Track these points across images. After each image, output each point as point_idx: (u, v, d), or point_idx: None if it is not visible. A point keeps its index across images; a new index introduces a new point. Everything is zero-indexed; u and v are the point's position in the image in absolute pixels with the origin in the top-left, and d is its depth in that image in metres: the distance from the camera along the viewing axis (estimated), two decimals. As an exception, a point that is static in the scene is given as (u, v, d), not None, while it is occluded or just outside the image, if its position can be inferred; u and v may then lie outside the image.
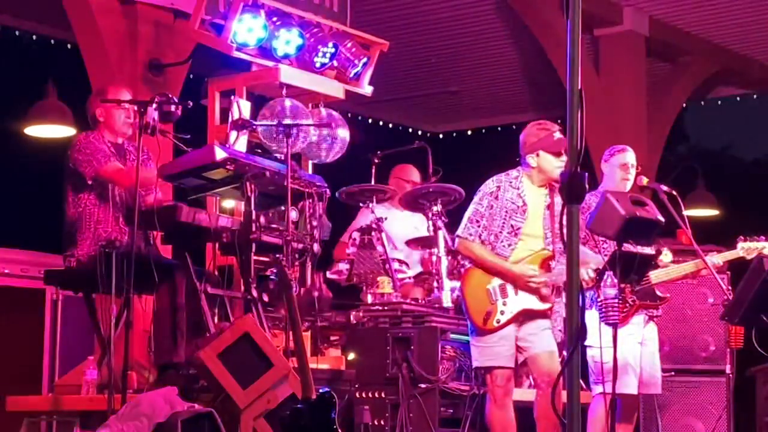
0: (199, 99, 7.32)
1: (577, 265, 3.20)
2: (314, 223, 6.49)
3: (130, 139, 6.48)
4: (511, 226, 6.23)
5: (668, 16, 10.52)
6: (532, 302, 6.20)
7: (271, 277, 6.44)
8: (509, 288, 6.21)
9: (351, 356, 7.09)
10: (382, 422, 6.76)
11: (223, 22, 7.17)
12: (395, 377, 6.78)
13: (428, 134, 13.40)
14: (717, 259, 6.79)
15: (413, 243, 7.89)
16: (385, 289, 7.22)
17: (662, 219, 6.11)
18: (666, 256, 6.85)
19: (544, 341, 6.21)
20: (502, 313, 6.17)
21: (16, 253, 8.56)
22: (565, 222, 3.22)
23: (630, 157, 6.89)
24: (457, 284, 7.01)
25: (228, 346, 5.58)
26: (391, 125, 13.37)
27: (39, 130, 9.12)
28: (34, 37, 10.62)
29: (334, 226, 6.97)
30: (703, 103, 12.80)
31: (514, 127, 6.69)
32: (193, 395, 5.76)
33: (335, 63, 7.63)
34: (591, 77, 10.16)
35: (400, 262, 7.72)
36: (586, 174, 3.20)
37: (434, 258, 7.45)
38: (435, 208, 7.58)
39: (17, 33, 10.52)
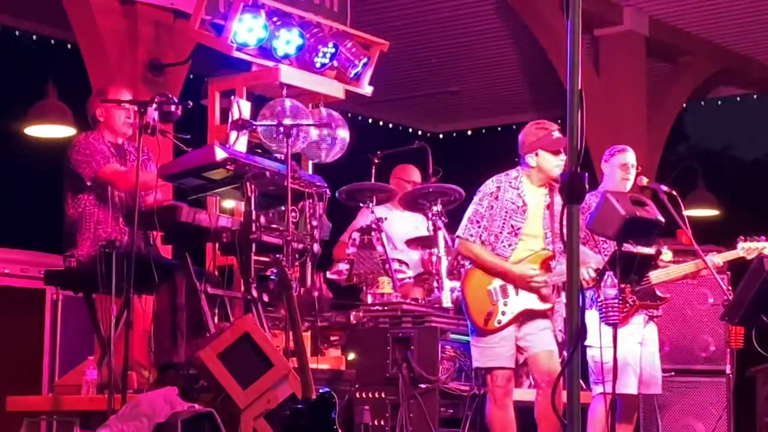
0: (199, 99, 7.32)
1: (577, 265, 3.20)
2: (314, 223, 6.49)
3: (131, 140, 6.48)
4: (512, 226, 6.23)
5: (668, 16, 10.52)
6: (533, 302, 6.20)
7: (271, 277, 6.44)
8: (510, 288, 6.21)
9: (351, 356, 7.09)
10: (382, 422, 6.76)
11: (223, 22, 7.17)
12: (395, 377, 6.78)
13: (428, 134, 13.40)
14: (717, 259, 6.79)
15: (413, 243, 7.89)
16: (385, 289, 7.22)
17: (662, 219, 6.11)
18: (666, 254, 6.85)
19: (543, 341, 6.21)
20: (503, 313, 6.18)
21: (16, 253, 8.55)
22: (565, 222, 3.22)
23: (630, 157, 6.89)
24: (457, 284, 7.01)
25: (228, 346, 5.58)
26: (391, 125, 13.37)
27: (39, 130, 9.12)
28: (34, 37, 10.62)
29: (334, 226, 6.97)
30: (703, 103, 12.80)
31: (514, 127, 6.69)
32: (193, 395, 5.76)
33: (335, 63, 7.63)
34: (591, 77, 10.16)
35: (400, 262, 7.72)
36: (586, 174, 3.20)
37: (434, 258, 7.45)
38: (435, 208, 7.58)
39: (17, 33, 10.52)
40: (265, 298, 6.35)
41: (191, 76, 8.11)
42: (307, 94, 7.51)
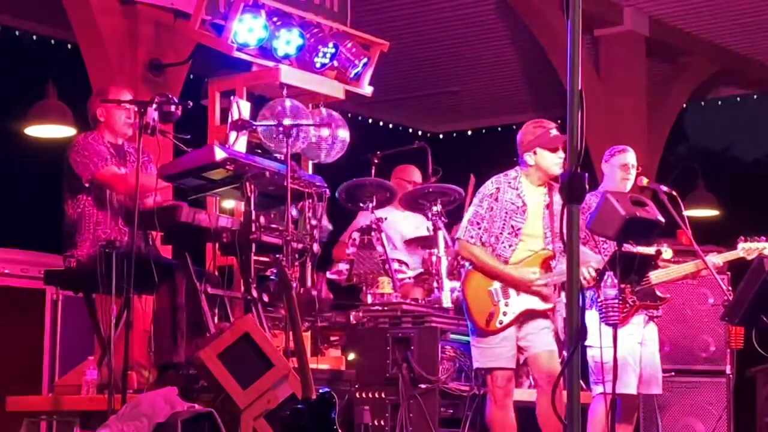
0: (199, 99, 7.32)
1: (577, 265, 3.20)
2: (314, 223, 6.49)
3: (131, 140, 6.48)
4: (512, 226, 6.23)
5: (668, 16, 10.52)
6: (534, 302, 6.20)
7: (271, 277, 6.44)
8: (511, 289, 6.21)
9: (351, 356, 7.09)
10: (382, 422, 6.76)
11: (223, 22, 7.17)
12: (395, 377, 6.79)
13: (428, 134, 13.40)
14: (717, 259, 6.79)
15: (413, 243, 7.89)
16: (385, 289, 7.22)
17: (662, 219, 6.11)
18: (666, 252, 6.85)
19: (543, 341, 6.21)
20: (504, 314, 6.17)
21: (16, 253, 8.55)
22: (565, 222, 3.22)
23: (630, 157, 6.89)
24: (457, 284, 7.01)
25: (228, 347, 5.58)
26: (391, 125, 13.37)
27: (39, 130, 9.12)
28: (34, 37, 10.62)
29: (334, 226, 6.96)
30: (703, 103, 12.80)
31: (514, 127, 6.67)
32: (193, 395, 5.76)
33: (335, 63, 7.63)
34: (591, 77, 10.16)
35: (400, 262, 7.72)
36: (586, 174, 3.20)
37: (434, 258, 7.45)
38: (435, 209, 7.58)
39: (17, 33, 10.51)
40: (265, 298, 6.34)
41: (191, 76, 8.11)
42: (307, 94, 7.51)
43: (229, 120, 6.83)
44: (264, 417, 5.51)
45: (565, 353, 5.96)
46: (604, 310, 6.06)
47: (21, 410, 6.33)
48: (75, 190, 6.29)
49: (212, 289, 6.26)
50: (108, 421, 5.39)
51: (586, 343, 6.19)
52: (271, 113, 7.08)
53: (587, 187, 3.20)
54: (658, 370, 6.88)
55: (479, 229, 6.22)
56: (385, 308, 7.12)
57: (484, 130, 13.68)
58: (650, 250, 6.50)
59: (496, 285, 6.21)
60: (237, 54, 7.15)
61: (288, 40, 7.33)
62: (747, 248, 6.75)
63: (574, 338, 3.20)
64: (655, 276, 6.66)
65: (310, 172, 7.38)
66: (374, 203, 7.63)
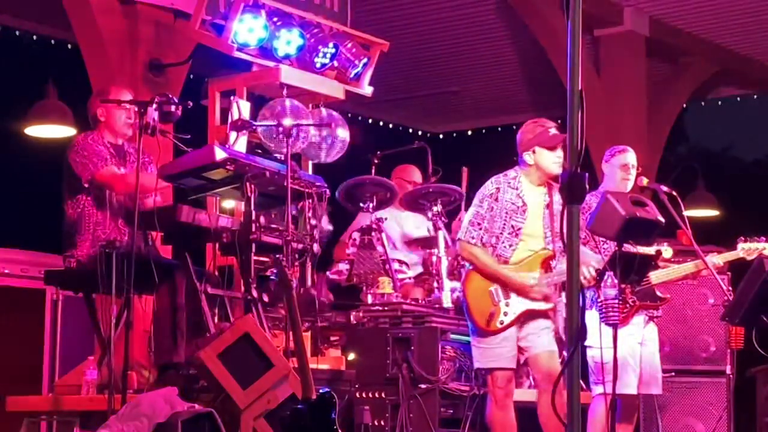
0: (200, 99, 7.32)
1: (577, 265, 3.20)
2: (313, 223, 6.48)
3: (131, 141, 6.48)
4: (512, 226, 6.23)
5: (668, 16, 10.52)
6: (535, 302, 6.19)
7: (272, 277, 6.44)
8: (511, 289, 6.22)
9: (351, 356, 7.09)
10: (382, 422, 6.76)
11: (223, 22, 7.17)
12: (395, 377, 6.79)
13: (428, 134, 13.40)
14: (717, 259, 6.79)
15: (413, 243, 7.89)
16: (385, 289, 7.22)
17: (662, 219, 6.11)
18: (666, 251, 6.85)
19: (544, 341, 6.21)
20: (505, 314, 6.17)
21: (16, 253, 8.55)
22: (565, 222, 3.22)
23: (630, 157, 6.89)
24: (457, 284, 7.01)
25: (228, 347, 5.58)
26: (391, 125, 13.37)
27: (39, 130, 9.12)
28: (35, 37, 10.62)
29: (334, 226, 6.96)
30: (703, 103, 12.80)
31: (514, 127, 6.67)
32: (193, 395, 5.76)
33: (335, 63, 7.63)
34: (591, 78, 10.15)
35: (400, 262, 7.72)
36: (587, 174, 3.20)
37: (434, 258, 7.45)
38: (435, 209, 7.58)
39: (17, 33, 10.51)
40: (265, 299, 6.34)
41: (191, 77, 8.11)
42: (307, 94, 7.51)
43: (229, 120, 6.83)
44: (264, 417, 5.51)
45: (565, 353, 5.96)
46: (604, 310, 6.07)
47: (21, 410, 6.33)
48: (75, 190, 6.29)
49: (212, 289, 6.26)
50: (108, 421, 5.39)
51: (586, 343, 6.19)
52: (271, 113, 7.08)
53: (587, 187, 3.20)
54: (658, 371, 6.88)
55: (480, 229, 6.22)
56: (386, 308, 7.12)
57: (484, 130, 13.68)
58: (650, 250, 6.50)
59: (497, 285, 6.21)
60: (237, 54, 7.15)
61: (288, 40, 7.33)
62: (747, 248, 6.75)
63: (574, 338, 3.20)
64: (655, 276, 6.66)
65: (310, 172, 7.38)
66: (374, 203, 7.62)
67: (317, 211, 6.49)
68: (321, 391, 5.03)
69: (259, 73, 7.36)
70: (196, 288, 6.08)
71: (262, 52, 7.29)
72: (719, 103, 12.73)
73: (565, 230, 3.23)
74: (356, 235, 7.57)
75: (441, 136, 13.76)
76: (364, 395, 6.81)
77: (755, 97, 12.68)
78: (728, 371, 7.61)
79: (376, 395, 6.81)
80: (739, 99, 12.65)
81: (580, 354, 3.22)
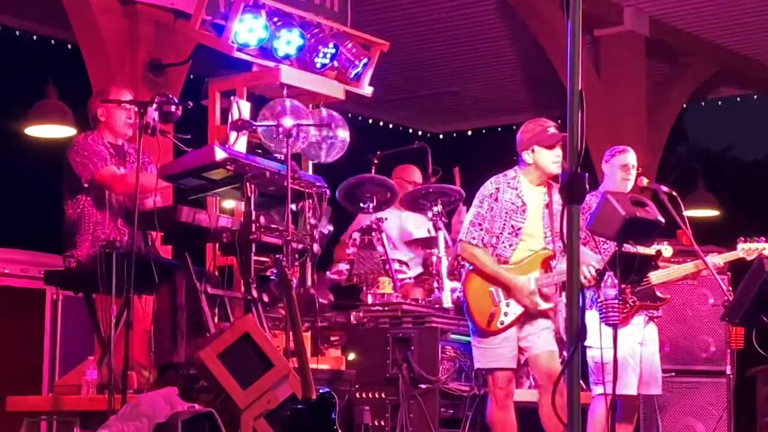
0: (200, 99, 7.32)
1: (577, 265, 3.20)
2: (313, 222, 6.48)
3: (131, 141, 6.48)
4: (512, 226, 6.23)
5: (669, 16, 10.52)
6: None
7: (272, 277, 6.44)
8: (512, 290, 6.22)
9: (351, 356, 7.09)
10: (382, 423, 6.76)
11: (223, 22, 7.17)
12: (395, 377, 6.79)
13: (428, 134, 13.41)
14: (717, 259, 6.79)
15: (414, 243, 7.89)
16: (385, 289, 7.22)
17: (662, 220, 6.11)
18: (667, 250, 6.85)
19: (544, 341, 6.20)
20: (505, 314, 6.17)
21: (16, 253, 8.55)
22: (565, 222, 3.22)
23: (631, 157, 6.89)
24: (457, 285, 7.01)
25: (228, 347, 5.58)
26: (391, 125, 13.37)
27: (39, 130, 9.13)
28: (35, 37, 10.62)
29: (334, 226, 6.96)
30: (703, 103, 12.80)
31: (514, 127, 6.67)
32: (193, 395, 5.76)
33: (336, 63, 7.63)
34: (591, 78, 10.16)
35: (401, 262, 7.72)
36: (587, 174, 3.20)
37: (434, 258, 7.45)
38: (435, 209, 7.58)
39: (17, 33, 10.51)
40: (265, 299, 6.34)
41: (191, 77, 8.11)
42: (307, 94, 7.51)
43: (230, 120, 6.83)
44: (264, 417, 5.51)
45: (565, 353, 5.97)
46: (604, 310, 6.07)
47: (21, 410, 6.32)
48: (74, 190, 6.29)
49: (212, 289, 6.26)
50: (108, 421, 5.39)
51: (586, 343, 6.19)
52: (271, 113, 7.08)
53: (587, 187, 3.20)
54: (658, 371, 6.88)
55: (481, 230, 6.22)
56: (386, 308, 7.12)
57: (484, 131, 13.68)
58: (650, 251, 6.50)
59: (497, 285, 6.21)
60: (237, 54, 7.15)
61: (288, 41, 7.33)
62: (746, 249, 6.75)
63: (574, 338, 3.20)
64: (655, 276, 6.66)
65: (310, 172, 7.38)
66: (374, 203, 7.62)
67: (317, 211, 6.49)
68: (321, 391, 5.03)
69: (259, 74, 7.36)
70: (196, 288, 6.08)
71: (262, 52, 7.29)
72: (719, 103, 12.73)
73: (565, 230, 3.23)
74: (356, 235, 7.57)
75: (441, 136, 13.76)
76: (364, 395, 6.82)
77: (755, 97, 12.68)
78: (728, 371, 7.61)
79: (376, 395, 6.82)
80: (739, 99, 12.65)
81: (580, 354, 3.22)
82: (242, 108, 6.85)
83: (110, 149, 6.36)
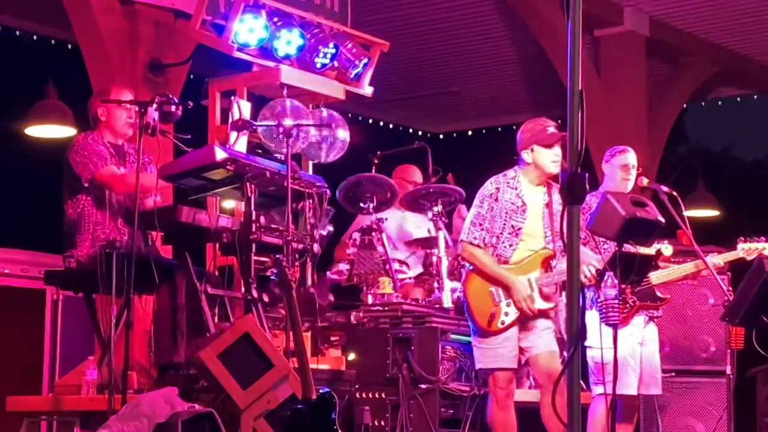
0: (200, 99, 7.32)
1: (577, 265, 3.20)
2: (313, 222, 6.48)
3: (131, 141, 6.48)
4: (512, 226, 6.23)
5: (669, 16, 10.52)
6: (537, 302, 6.19)
7: (272, 277, 6.44)
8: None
9: (351, 356, 7.09)
10: (383, 423, 6.76)
11: (224, 22, 7.17)
12: (395, 378, 6.79)
13: (428, 134, 13.40)
14: (717, 259, 6.79)
15: (414, 243, 7.89)
16: (385, 289, 7.22)
17: (662, 220, 6.11)
18: (667, 248, 6.85)
19: (545, 342, 6.20)
20: (506, 314, 6.16)
21: (16, 253, 8.56)
22: (565, 223, 3.22)
23: (631, 157, 6.90)
24: (457, 285, 7.01)
25: (228, 347, 5.58)
26: (391, 125, 13.37)
27: (39, 131, 9.13)
28: (35, 37, 10.62)
29: (334, 226, 6.96)
30: (703, 103, 12.80)
31: (514, 127, 6.67)
32: (194, 395, 5.76)
33: (336, 63, 7.63)
34: (591, 78, 10.16)
35: (401, 262, 7.72)
36: (587, 174, 3.20)
37: (435, 258, 7.45)
38: (435, 209, 7.58)
39: (17, 33, 10.51)
40: (266, 299, 6.34)
41: (192, 77, 8.11)
42: (307, 94, 7.51)
43: (230, 120, 6.83)
44: (264, 417, 5.51)
45: (565, 353, 5.96)
46: (604, 310, 6.06)
47: (21, 410, 6.33)
48: (74, 190, 6.29)
49: (212, 289, 6.26)
50: (108, 421, 5.39)
51: (587, 343, 6.19)
52: (271, 113, 7.08)
53: (587, 187, 3.20)
54: (658, 371, 6.89)
55: (482, 230, 6.21)
56: (386, 308, 7.12)
57: (484, 131, 13.68)
58: (651, 251, 6.50)
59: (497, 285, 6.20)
60: (237, 54, 7.14)
61: (288, 41, 7.33)
62: (746, 249, 6.75)
63: (574, 338, 3.20)
64: (655, 276, 6.67)
65: (311, 172, 7.38)
66: (374, 203, 7.62)
67: (317, 211, 6.49)
68: (321, 391, 5.03)
69: (259, 74, 7.36)
70: (196, 288, 6.08)
71: (263, 52, 7.29)
72: (719, 103, 12.73)
73: (565, 230, 3.23)
74: (356, 236, 7.57)
75: (441, 136, 13.76)
76: (364, 395, 6.82)
77: (755, 97, 12.68)
78: (728, 371, 7.61)
79: (376, 395, 6.82)
80: (739, 99, 12.65)
81: (580, 354, 3.22)
82: (242, 108, 6.85)
83: (110, 149, 6.37)
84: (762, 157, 18.33)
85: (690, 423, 7.83)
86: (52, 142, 8.97)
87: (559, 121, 6.38)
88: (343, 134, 7.54)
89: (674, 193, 6.74)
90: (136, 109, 6.18)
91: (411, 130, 13.51)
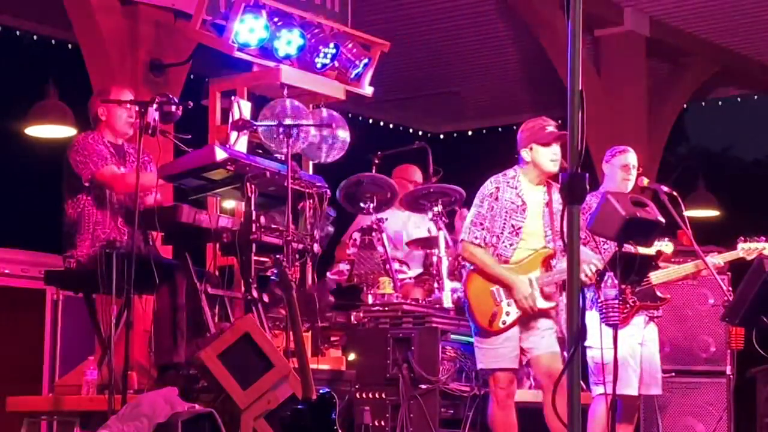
0: (200, 99, 7.32)
1: (577, 265, 3.20)
2: (312, 222, 6.48)
3: (131, 141, 6.48)
4: (512, 226, 6.22)
5: (669, 16, 10.52)
6: (538, 301, 6.19)
7: (272, 277, 6.44)
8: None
9: (351, 357, 7.09)
10: (383, 423, 6.76)
11: (224, 22, 7.17)
12: (396, 378, 6.79)
13: (428, 134, 13.40)
14: (717, 259, 6.79)
15: (414, 243, 7.89)
16: (385, 289, 7.22)
17: (662, 220, 6.11)
18: (667, 246, 6.86)
19: (546, 342, 6.19)
20: (507, 314, 6.16)
21: (16, 253, 8.56)
22: (565, 223, 3.22)
23: (631, 158, 6.90)
24: (457, 285, 7.01)
25: (228, 347, 5.58)
26: (391, 125, 13.37)
27: (39, 131, 9.13)
28: (35, 37, 10.62)
29: (334, 227, 6.96)
30: (703, 103, 12.79)
31: (514, 127, 6.67)
32: (194, 395, 5.76)
33: (336, 63, 7.63)
34: (592, 78, 10.15)
35: (401, 262, 7.72)
36: (587, 174, 3.20)
37: (435, 258, 7.45)
38: (436, 209, 7.58)
39: (17, 33, 10.51)
40: (266, 299, 6.34)
41: (192, 77, 8.11)
42: (307, 94, 7.51)
43: (230, 120, 6.83)
44: (264, 417, 5.51)
45: (565, 354, 5.96)
46: (604, 310, 6.06)
47: (21, 410, 6.33)
48: (75, 189, 6.29)
49: (212, 289, 6.26)
50: (108, 421, 5.39)
51: (587, 344, 6.19)
52: (271, 113, 7.08)
53: (588, 187, 3.20)
54: (658, 371, 6.89)
55: (482, 229, 6.21)
56: (386, 308, 7.12)
57: (484, 131, 13.67)
58: (651, 251, 6.50)
59: (498, 285, 6.20)
60: (238, 54, 7.14)
61: (289, 41, 7.33)
62: (747, 248, 6.75)
63: (574, 338, 3.20)
64: (655, 276, 6.67)
65: (311, 172, 7.38)
66: (374, 203, 7.62)
67: (317, 211, 6.48)
68: (321, 391, 5.03)
69: (259, 74, 7.36)
70: (196, 288, 6.08)
71: (263, 52, 7.29)
72: (719, 103, 12.73)
73: (565, 231, 3.23)
74: (357, 236, 7.57)
75: (441, 136, 13.75)
76: (364, 395, 6.81)
77: (755, 97, 12.67)
78: (728, 371, 7.61)
79: (377, 395, 6.81)
80: (739, 99, 12.64)
81: (580, 354, 3.22)
82: (243, 108, 6.85)
83: (110, 149, 6.37)
84: (762, 157, 18.34)
85: (690, 423, 7.84)
86: (52, 142, 8.98)
87: (560, 121, 6.37)
88: (343, 134, 7.54)
89: (674, 193, 6.74)
90: (137, 108, 6.18)
91: (411, 130, 13.51)
